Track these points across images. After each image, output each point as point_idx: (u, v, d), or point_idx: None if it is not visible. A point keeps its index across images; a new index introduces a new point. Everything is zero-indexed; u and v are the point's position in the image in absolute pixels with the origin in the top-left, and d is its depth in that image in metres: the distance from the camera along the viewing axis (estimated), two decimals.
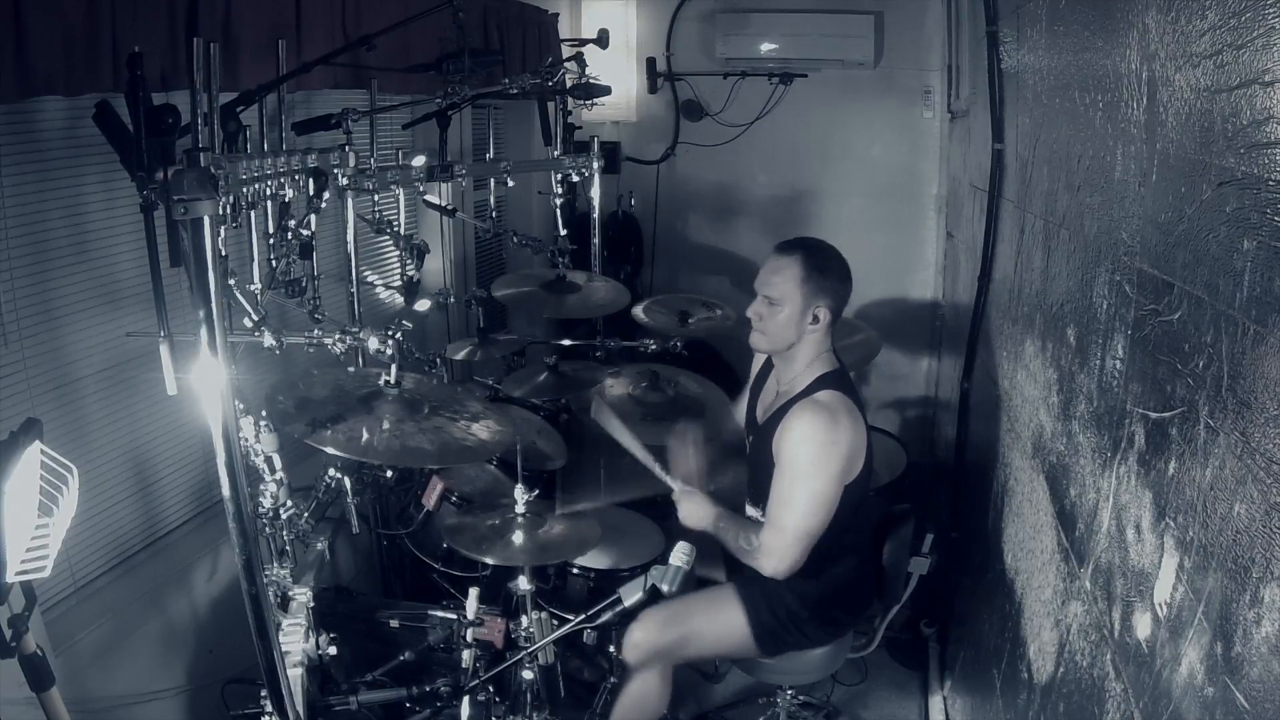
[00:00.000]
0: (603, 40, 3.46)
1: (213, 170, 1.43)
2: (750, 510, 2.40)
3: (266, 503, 2.01)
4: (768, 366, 2.46)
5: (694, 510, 2.31)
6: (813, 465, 2.15)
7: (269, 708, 1.71)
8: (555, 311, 3.37)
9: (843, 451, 2.16)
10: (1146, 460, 1.28)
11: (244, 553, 1.52)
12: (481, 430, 2.19)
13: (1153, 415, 1.26)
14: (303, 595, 2.07)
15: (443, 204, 3.05)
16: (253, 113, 2.00)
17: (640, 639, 2.27)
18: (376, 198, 2.63)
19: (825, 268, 2.24)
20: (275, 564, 2.05)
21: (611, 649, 2.34)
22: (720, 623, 2.30)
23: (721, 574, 2.43)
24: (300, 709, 1.85)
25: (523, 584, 2.19)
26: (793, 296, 2.22)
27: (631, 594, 1.89)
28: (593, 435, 2.92)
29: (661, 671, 2.35)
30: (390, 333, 2.04)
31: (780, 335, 2.26)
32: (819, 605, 2.30)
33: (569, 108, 3.45)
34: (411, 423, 2.09)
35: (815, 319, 2.23)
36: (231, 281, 1.96)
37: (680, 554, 1.89)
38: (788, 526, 2.16)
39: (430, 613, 2.39)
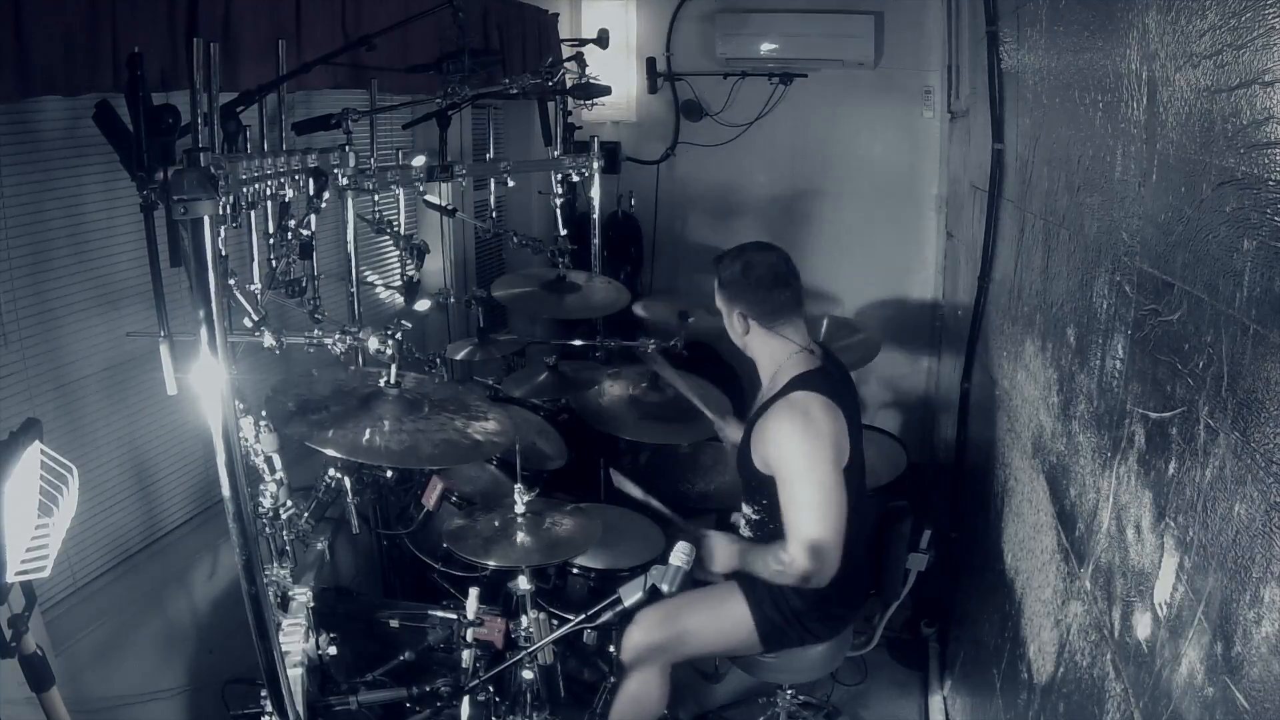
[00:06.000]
0: (603, 40, 3.46)
1: (213, 170, 1.44)
2: (745, 508, 2.41)
3: (266, 503, 2.01)
4: None
5: (721, 555, 2.32)
6: (807, 460, 2.15)
7: (269, 708, 1.71)
8: (555, 311, 3.37)
9: (827, 437, 2.16)
10: (1146, 460, 1.28)
11: (244, 553, 1.52)
12: (479, 431, 2.19)
13: (1153, 415, 1.26)
14: (303, 595, 2.08)
15: (443, 204, 3.05)
16: (253, 113, 2.01)
17: (638, 638, 2.27)
18: (376, 198, 2.63)
19: (730, 277, 2.30)
20: (275, 564, 2.06)
21: (612, 649, 2.34)
22: (723, 618, 2.31)
23: (719, 575, 2.43)
24: (300, 709, 1.85)
25: (522, 584, 2.19)
26: (720, 304, 2.34)
27: (631, 594, 1.89)
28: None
29: (660, 670, 2.35)
30: (390, 333, 2.04)
31: (734, 340, 2.36)
32: (821, 601, 2.29)
33: (569, 108, 3.45)
34: (411, 422, 2.09)
35: (744, 324, 2.30)
36: (231, 281, 1.96)
37: (680, 554, 1.89)
38: (810, 530, 2.14)
39: (430, 613, 2.39)
